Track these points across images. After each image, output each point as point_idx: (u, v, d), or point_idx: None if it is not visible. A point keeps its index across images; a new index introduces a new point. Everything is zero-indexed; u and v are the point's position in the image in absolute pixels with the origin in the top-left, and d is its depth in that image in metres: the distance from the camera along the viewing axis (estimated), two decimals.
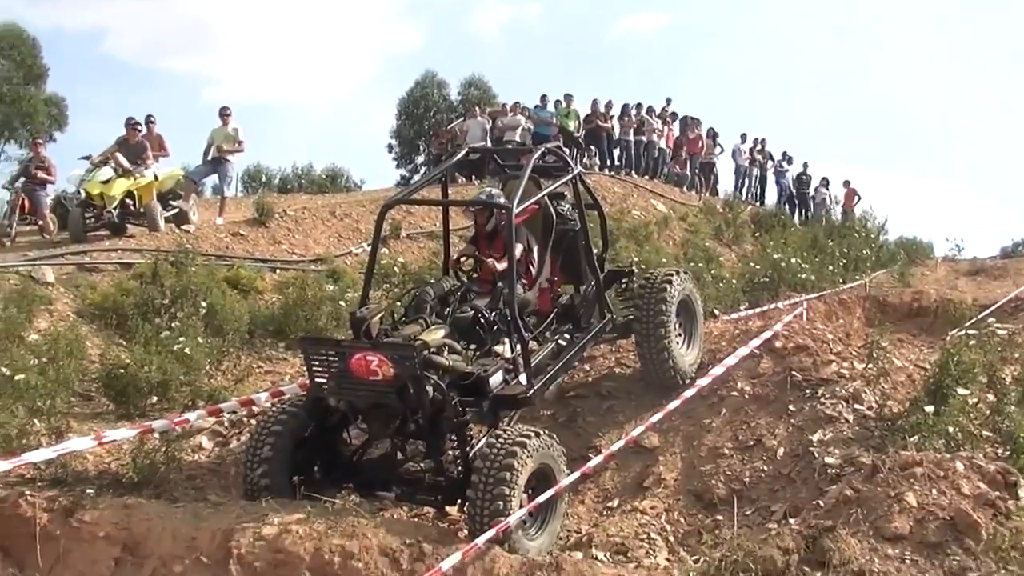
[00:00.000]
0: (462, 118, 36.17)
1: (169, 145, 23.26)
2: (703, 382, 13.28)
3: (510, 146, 30.14)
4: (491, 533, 9.66)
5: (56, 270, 18.25)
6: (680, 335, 14.03)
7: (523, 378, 11.42)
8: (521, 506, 10.15)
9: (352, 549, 9.67)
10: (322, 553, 9.67)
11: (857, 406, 12.56)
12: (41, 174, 21.35)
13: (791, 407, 12.86)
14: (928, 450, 10.53)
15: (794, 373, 13.38)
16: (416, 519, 11.58)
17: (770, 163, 42.45)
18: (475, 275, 12.91)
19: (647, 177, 37.28)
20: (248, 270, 20.05)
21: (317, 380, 11.01)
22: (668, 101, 39.95)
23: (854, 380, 13.13)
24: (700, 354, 14.37)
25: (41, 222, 20.96)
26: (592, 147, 35.99)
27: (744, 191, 41.20)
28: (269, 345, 17.73)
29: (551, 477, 10.66)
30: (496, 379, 11.28)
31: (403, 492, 11.40)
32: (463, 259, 13.13)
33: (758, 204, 40.85)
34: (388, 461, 11.60)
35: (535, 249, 13.28)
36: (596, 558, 10.63)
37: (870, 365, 13.59)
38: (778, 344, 14.11)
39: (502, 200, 12.77)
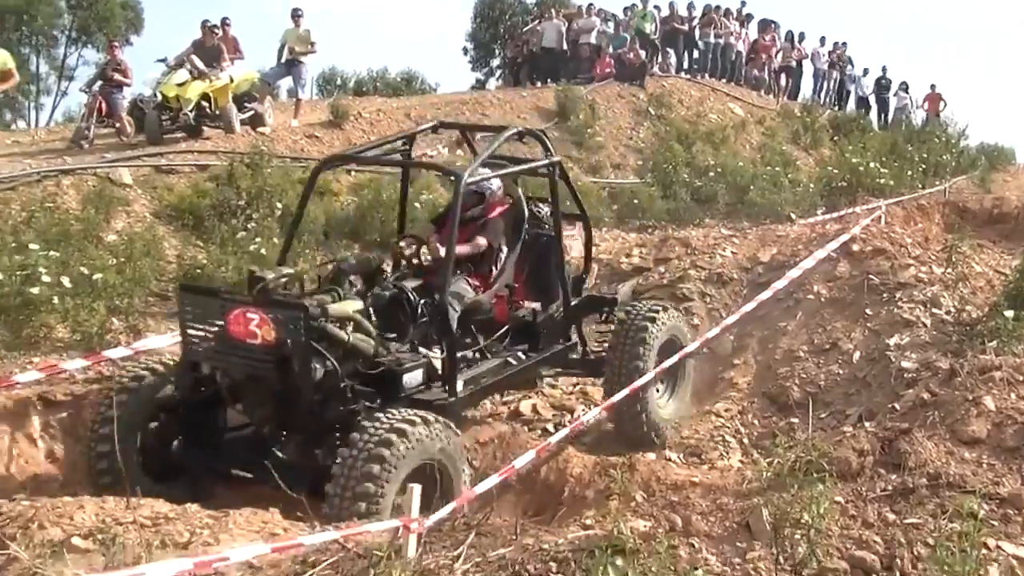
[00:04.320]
0: (538, 21, 35.77)
1: (243, 48, 23.28)
2: (779, 284, 13.19)
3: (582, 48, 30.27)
4: (565, 432, 9.68)
5: (133, 172, 18.37)
6: (662, 382, 11.99)
7: (456, 385, 9.68)
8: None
9: None
10: None
11: (935, 310, 12.44)
12: (118, 77, 21.34)
13: (868, 311, 12.77)
14: (1007, 355, 10.39)
15: (871, 277, 13.26)
16: (491, 418, 11.62)
17: (849, 67, 41.74)
18: (421, 264, 10.65)
19: (724, 80, 36.82)
20: (323, 172, 20.05)
21: (190, 338, 9.31)
22: (743, 3, 39.34)
23: (932, 284, 12.99)
24: (685, 407, 12.32)
25: (118, 124, 20.98)
26: (668, 49, 35.56)
27: (823, 95, 40.61)
28: (344, 246, 17.77)
29: (448, 475, 8.73)
30: (413, 378, 9.51)
31: (263, 476, 8.89)
32: (403, 243, 10.96)
33: (836, 108, 40.26)
34: (257, 443, 9.58)
35: (503, 251, 11.36)
36: (669, 459, 10.64)
37: (949, 270, 13.45)
38: (856, 248, 13.99)
39: (488, 181, 11.08)
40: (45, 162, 18.28)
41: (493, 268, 11.16)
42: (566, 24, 33.60)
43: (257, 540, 7.00)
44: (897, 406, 10.12)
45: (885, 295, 12.95)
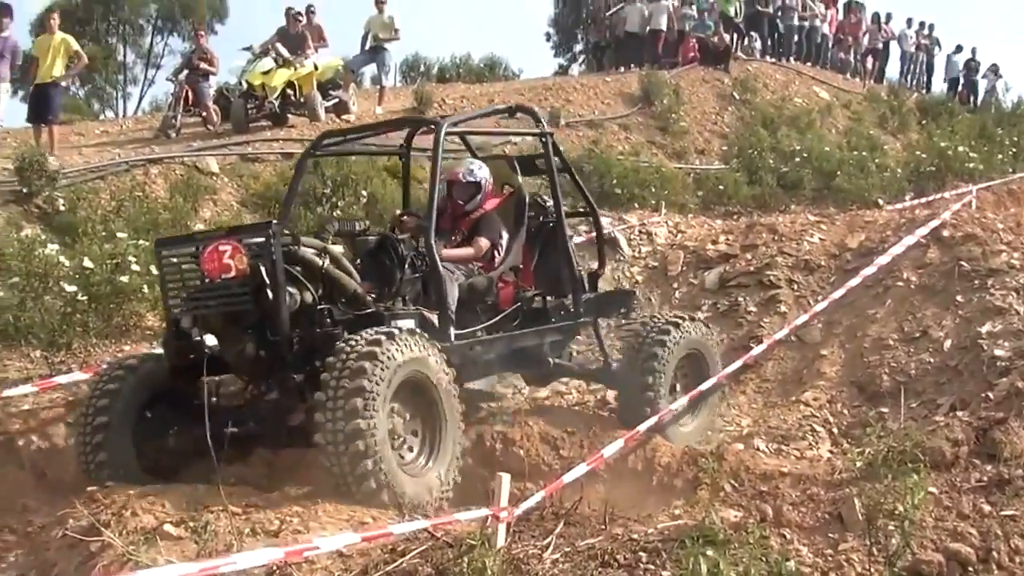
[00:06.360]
0: (621, 5, 35.59)
1: (328, 35, 23.43)
2: (868, 271, 13.05)
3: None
4: (653, 421, 9.63)
5: (220, 160, 18.64)
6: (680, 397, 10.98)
7: (450, 332, 9.40)
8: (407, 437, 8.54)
9: (513, 436, 9.73)
10: (484, 439, 9.75)
11: None
12: (204, 65, 21.54)
13: (959, 298, 12.59)
14: None
15: (962, 263, 13.05)
16: (577, 407, 11.59)
17: (937, 49, 41.15)
18: (417, 246, 9.94)
19: (809, 63, 36.44)
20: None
21: (170, 293, 9.08)
22: None
23: None
24: (706, 427, 11.33)
25: (204, 113, 21.20)
26: (753, 33, 35.24)
27: (910, 77, 40.06)
28: None
29: (429, 392, 8.65)
30: (404, 324, 8.86)
31: (245, 430, 8.91)
32: (407, 218, 10.77)
33: (924, 91, 39.70)
34: (247, 399, 9.38)
35: (505, 238, 10.76)
36: (758, 448, 10.56)
37: None
38: (946, 233, 13.77)
39: (480, 171, 10.75)
40: (133, 151, 18.57)
41: (496, 252, 10.63)
42: (649, 9, 33.39)
43: (346, 529, 7.04)
44: (991, 395, 10.02)
45: (976, 282, 12.75)
